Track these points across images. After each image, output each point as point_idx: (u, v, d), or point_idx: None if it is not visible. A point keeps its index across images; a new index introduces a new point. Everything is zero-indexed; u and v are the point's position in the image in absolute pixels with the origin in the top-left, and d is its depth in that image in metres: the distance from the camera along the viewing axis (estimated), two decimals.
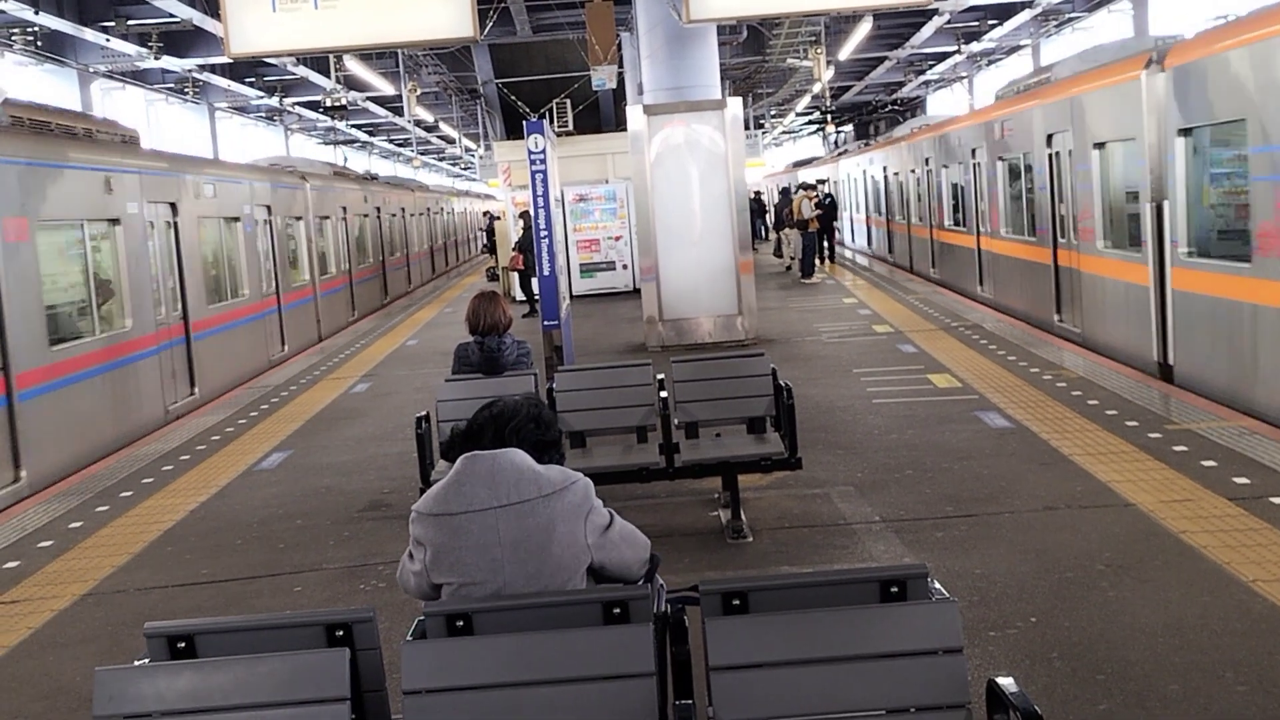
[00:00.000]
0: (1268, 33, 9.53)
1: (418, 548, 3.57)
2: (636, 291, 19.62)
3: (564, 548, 3.46)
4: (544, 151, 11.96)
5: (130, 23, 22.87)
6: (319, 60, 27.74)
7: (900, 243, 29.51)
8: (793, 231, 28.37)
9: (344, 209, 25.53)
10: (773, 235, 33.27)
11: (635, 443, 7.79)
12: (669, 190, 15.88)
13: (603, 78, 21.10)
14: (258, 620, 3.38)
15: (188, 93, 31.63)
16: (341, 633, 3.25)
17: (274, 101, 34.17)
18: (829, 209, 28.24)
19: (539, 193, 11.93)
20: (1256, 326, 9.90)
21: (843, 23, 27.00)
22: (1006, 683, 3.01)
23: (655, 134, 15.88)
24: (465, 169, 72.05)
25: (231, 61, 24.16)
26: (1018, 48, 34.34)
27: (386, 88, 29.89)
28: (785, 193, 29.49)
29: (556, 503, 3.47)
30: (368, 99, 35.03)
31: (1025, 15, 28.19)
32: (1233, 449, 8.40)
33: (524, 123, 12.44)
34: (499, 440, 3.60)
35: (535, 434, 3.66)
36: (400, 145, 57.04)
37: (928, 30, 28.91)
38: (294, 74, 29.56)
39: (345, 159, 47.64)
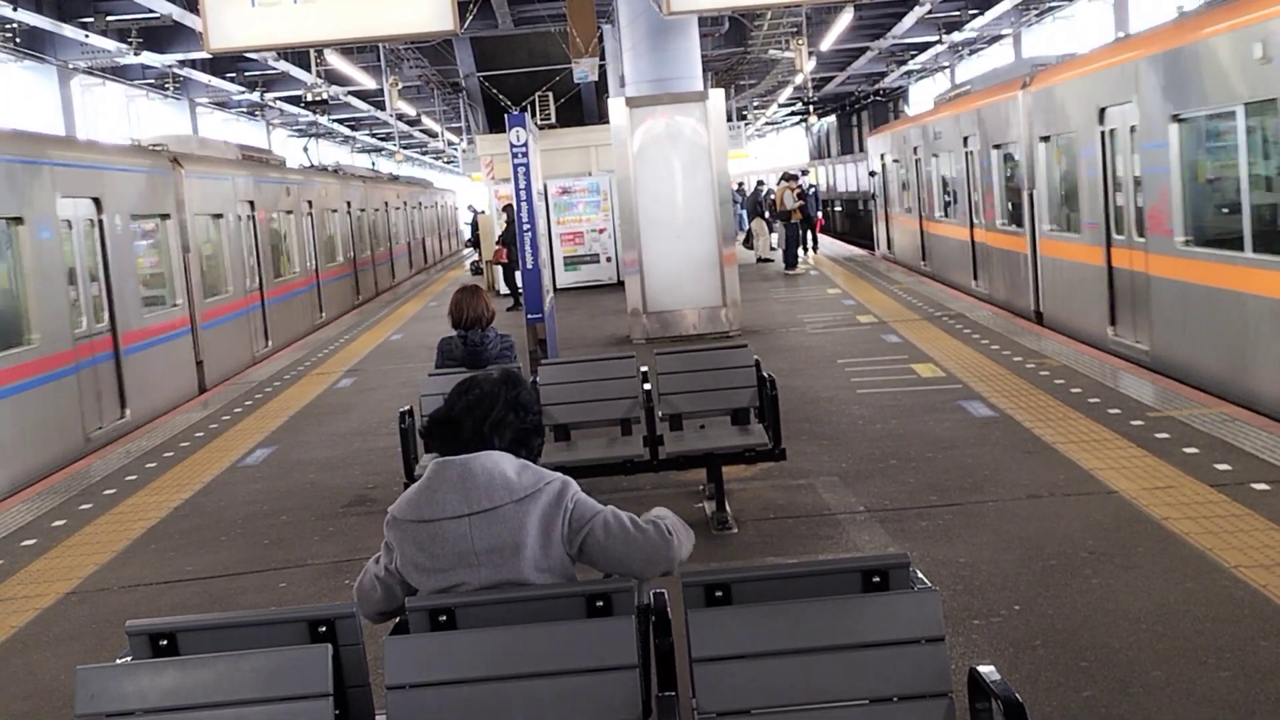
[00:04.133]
0: (1080, 71, 13.67)
1: (389, 551, 3.52)
2: (620, 284, 19.60)
3: (538, 551, 3.41)
4: (526, 145, 11.94)
5: (110, 19, 22.72)
6: (300, 55, 27.63)
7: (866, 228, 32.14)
8: (760, 222, 28.45)
9: (385, 203, 34.25)
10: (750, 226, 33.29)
11: (620, 435, 7.80)
12: (652, 182, 15.86)
13: (584, 70, 21.03)
14: (240, 617, 3.38)
15: (168, 88, 31.46)
16: (324, 628, 3.24)
17: (255, 96, 34.05)
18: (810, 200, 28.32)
19: (521, 186, 11.91)
20: (1090, 280, 13.60)
21: (824, 14, 27.00)
22: (988, 671, 3.02)
23: (638, 126, 15.85)
24: (448, 163, 71.88)
25: (212, 57, 24.05)
26: (999, 37, 34.35)
27: (368, 82, 29.80)
28: (760, 184, 29.58)
29: (529, 506, 3.41)
30: (349, 93, 34.92)
31: (1006, 4, 28.21)
32: (1214, 435, 8.44)
33: (506, 116, 12.41)
34: (479, 437, 3.54)
35: (516, 423, 3.59)
36: (383, 139, 56.87)
37: (909, 20, 28.91)
38: (275, 69, 29.43)
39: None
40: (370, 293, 29.97)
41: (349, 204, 28.63)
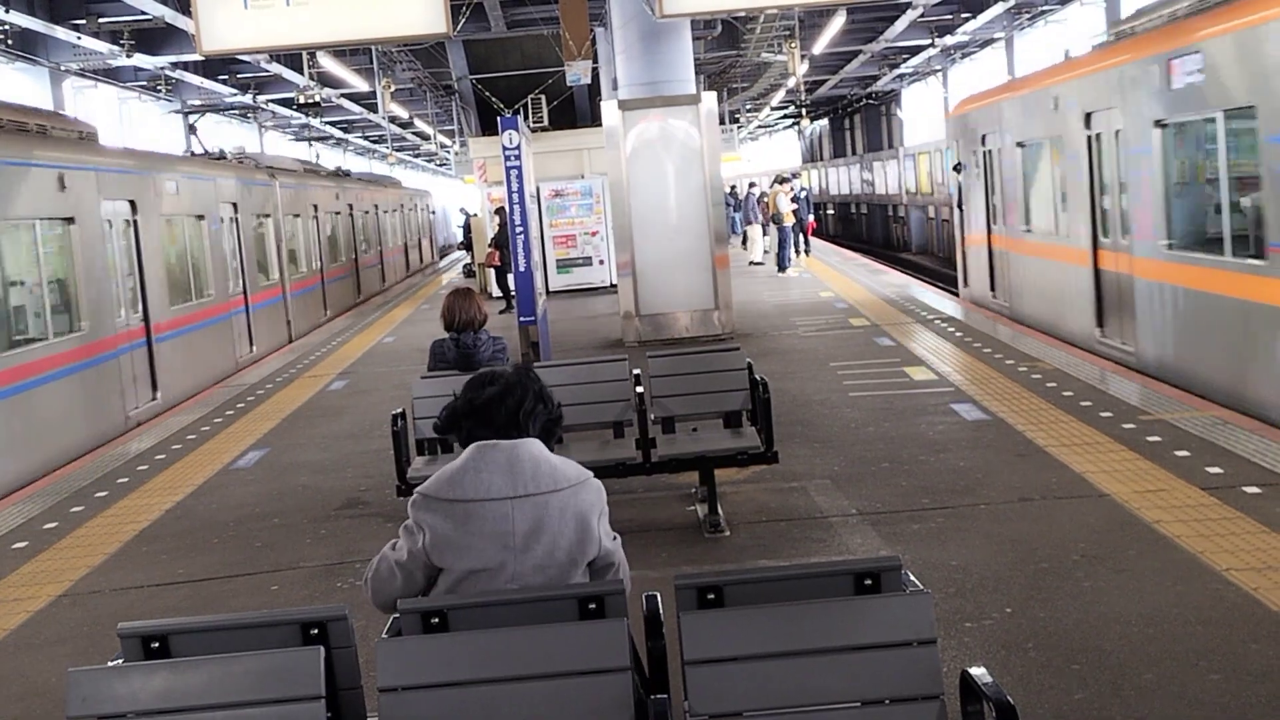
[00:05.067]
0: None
1: (413, 534, 3.53)
2: (613, 287, 19.60)
3: (574, 541, 3.49)
4: (519, 147, 11.96)
5: (102, 21, 22.69)
6: (292, 57, 27.60)
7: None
8: (754, 226, 28.49)
9: (315, 205, 28.94)
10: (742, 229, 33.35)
11: (612, 438, 7.79)
12: (645, 185, 15.86)
13: (577, 73, 21.01)
14: (232, 619, 3.37)
15: (160, 90, 31.41)
16: (316, 631, 3.24)
17: (247, 99, 34.01)
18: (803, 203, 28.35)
19: (514, 189, 11.92)
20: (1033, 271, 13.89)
21: (817, 17, 27.01)
22: (979, 673, 3.02)
23: (631, 129, 15.86)
24: (441, 165, 71.84)
25: (204, 59, 24.00)
26: (991, 41, 34.43)
27: (361, 84, 29.75)
28: (752, 187, 29.58)
29: (572, 496, 3.50)
30: (342, 95, 34.89)
31: (998, 8, 28.26)
32: (1206, 439, 8.45)
33: (499, 119, 12.42)
34: (514, 424, 3.58)
35: (544, 414, 3.66)
36: (375, 142, 56.83)
37: (901, 24, 28.94)
38: (267, 71, 29.40)
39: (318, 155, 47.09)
40: (280, 339, 21.38)
41: (236, 206, 19.90)
